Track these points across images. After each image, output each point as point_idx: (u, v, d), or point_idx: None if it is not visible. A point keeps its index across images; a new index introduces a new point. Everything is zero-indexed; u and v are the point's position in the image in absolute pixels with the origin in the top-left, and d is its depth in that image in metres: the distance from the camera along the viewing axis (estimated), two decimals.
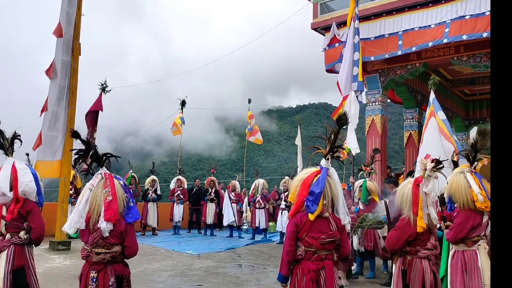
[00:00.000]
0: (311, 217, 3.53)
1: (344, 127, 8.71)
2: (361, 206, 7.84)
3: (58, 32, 9.31)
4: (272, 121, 79.41)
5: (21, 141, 4.16)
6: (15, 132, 4.09)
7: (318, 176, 3.65)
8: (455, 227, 4.17)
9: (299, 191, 3.68)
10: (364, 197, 7.81)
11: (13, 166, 3.92)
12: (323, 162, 3.73)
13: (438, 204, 5.12)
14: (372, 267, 7.82)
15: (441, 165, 3.96)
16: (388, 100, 14.09)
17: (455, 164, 5.27)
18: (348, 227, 3.79)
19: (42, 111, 9.22)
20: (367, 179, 8.09)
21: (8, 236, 3.83)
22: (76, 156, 3.61)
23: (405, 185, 4.13)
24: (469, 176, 4.26)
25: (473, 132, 16.09)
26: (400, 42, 9.90)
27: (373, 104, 11.09)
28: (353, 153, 8.64)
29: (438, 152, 6.83)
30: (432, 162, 3.94)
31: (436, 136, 7.03)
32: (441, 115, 7.15)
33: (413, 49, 9.76)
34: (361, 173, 8.78)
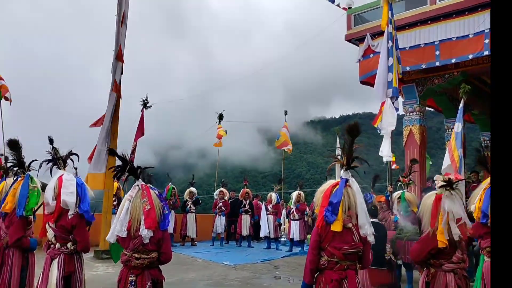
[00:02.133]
0: (333, 227, 3.57)
1: (382, 133, 8.69)
2: (400, 217, 7.74)
3: (120, 57, 9.87)
4: (317, 132, 78.94)
5: (78, 157, 4.57)
6: (71, 150, 4.52)
7: (337, 187, 3.74)
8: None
9: (320, 203, 3.78)
10: (404, 209, 7.68)
11: (60, 177, 4.28)
12: (341, 172, 3.81)
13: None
14: (409, 280, 7.63)
15: (452, 184, 3.87)
16: (432, 109, 13.77)
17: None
18: (371, 238, 3.78)
19: (93, 124, 9.79)
20: (405, 190, 7.99)
21: (58, 245, 4.22)
22: (115, 172, 3.96)
23: (428, 197, 4.09)
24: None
25: None
26: (437, 53, 9.72)
27: (411, 114, 10.90)
28: (384, 161, 8.61)
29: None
30: (444, 181, 3.89)
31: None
32: (457, 127, 7.05)
33: (453, 60, 9.56)
34: (399, 184, 8.68)
